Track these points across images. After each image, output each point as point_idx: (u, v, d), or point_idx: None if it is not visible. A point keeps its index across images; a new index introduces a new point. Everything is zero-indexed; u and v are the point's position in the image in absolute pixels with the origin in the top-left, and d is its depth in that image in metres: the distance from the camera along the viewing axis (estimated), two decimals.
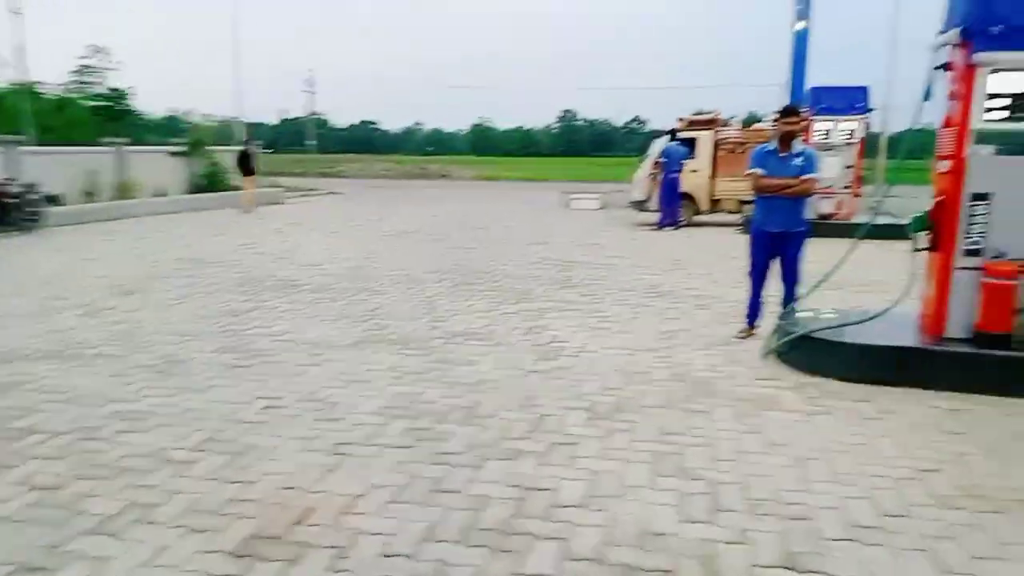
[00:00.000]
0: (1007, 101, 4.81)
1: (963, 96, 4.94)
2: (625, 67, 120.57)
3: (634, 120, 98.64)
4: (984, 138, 4.95)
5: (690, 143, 15.53)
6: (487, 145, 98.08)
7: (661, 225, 15.34)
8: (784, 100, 19.01)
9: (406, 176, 46.12)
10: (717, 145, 15.53)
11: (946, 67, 5.18)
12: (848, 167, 13.56)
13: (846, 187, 13.58)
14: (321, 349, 5.87)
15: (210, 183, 20.78)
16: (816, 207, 13.87)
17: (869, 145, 13.85)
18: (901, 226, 5.56)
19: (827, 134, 13.75)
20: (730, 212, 15.60)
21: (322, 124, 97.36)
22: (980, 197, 4.95)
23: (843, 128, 13.60)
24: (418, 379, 5.11)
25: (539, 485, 3.49)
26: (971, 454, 3.95)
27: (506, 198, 26.62)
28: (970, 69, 4.87)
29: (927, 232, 5.24)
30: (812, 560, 2.88)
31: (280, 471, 3.61)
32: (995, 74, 4.83)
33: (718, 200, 15.74)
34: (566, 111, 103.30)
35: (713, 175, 15.61)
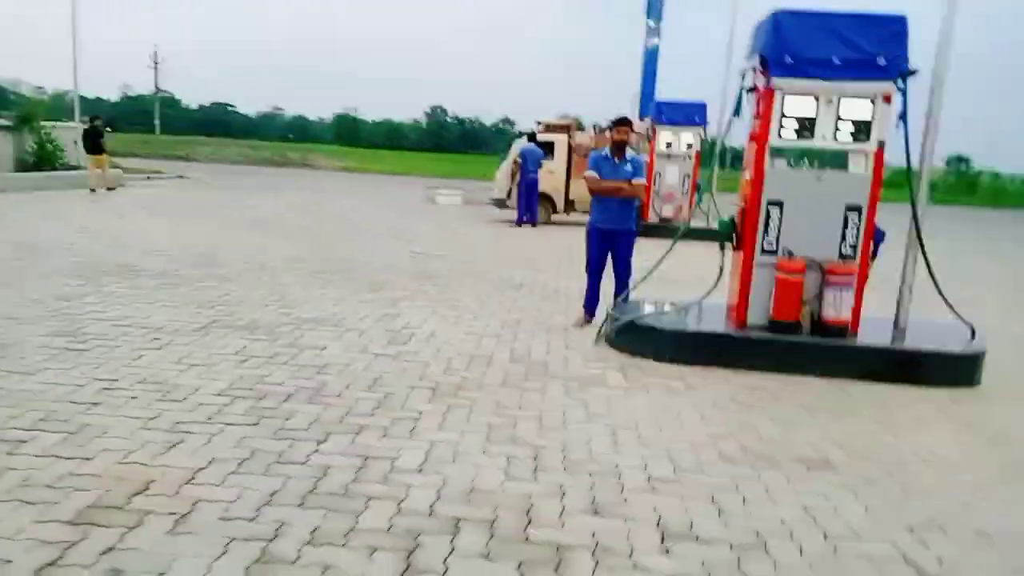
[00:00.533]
0: (795, 123, 5.62)
1: (763, 116, 5.71)
2: (496, 68, 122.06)
3: (503, 120, 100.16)
4: (779, 152, 5.75)
5: (548, 146, 16.25)
6: (353, 136, 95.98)
7: (519, 222, 15.96)
8: (636, 110, 20.32)
9: (264, 163, 44.36)
10: (572, 149, 16.35)
11: (752, 89, 5.96)
12: (687, 175, 14.80)
13: (684, 193, 14.82)
14: (163, 334, 5.78)
15: (41, 160, 19.17)
16: (658, 211, 15.03)
17: (706, 156, 15.15)
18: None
19: (669, 144, 14.94)
20: (585, 212, 16.45)
21: (170, 103, 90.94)
22: (775, 204, 5.74)
23: (683, 140, 14.82)
24: (265, 363, 5.19)
25: (379, 455, 3.75)
26: (759, 422, 4.63)
27: (370, 190, 26.41)
28: (769, 92, 5.64)
29: (733, 233, 6.00)
30: (615, 508, 3.34)
31: (119, 448, 3.63)
32: (788, 98, 5.62)
33: (573, 201, 16.59)
34: (435, 107, 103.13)
35: (568, 177, 16.43)
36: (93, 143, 17.99)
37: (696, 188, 14.46)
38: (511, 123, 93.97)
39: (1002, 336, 6.79)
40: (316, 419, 4.19)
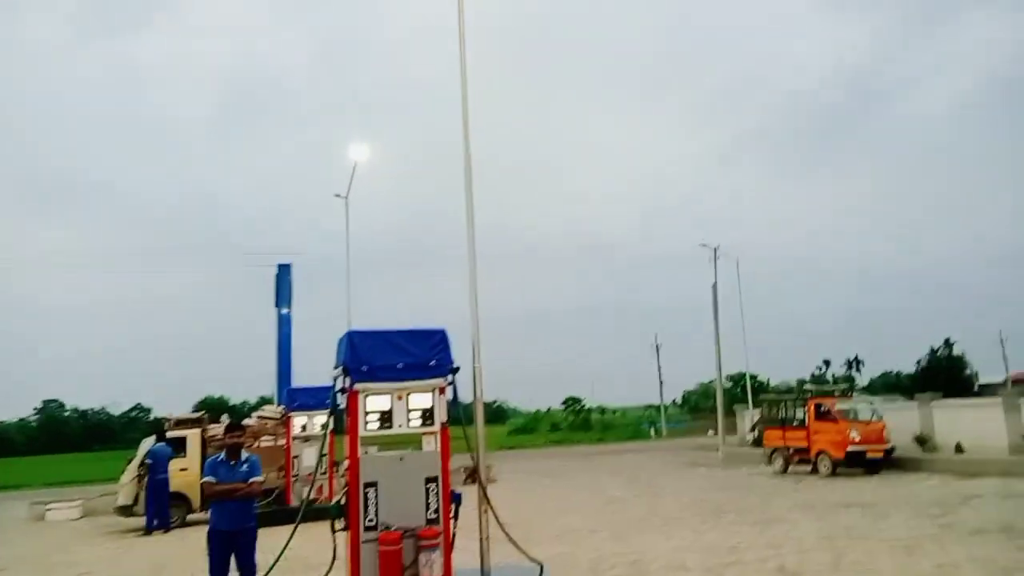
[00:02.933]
0: (377, 416, 6.89)
1: (352, 412, 6.88)
2: (121, 355, 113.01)
3: (135, 408, 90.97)
4: (371, 440, 6.88)
5: (180, 442, 15.76)
6: None
7: (150, 529, 14.71)
8: (273, 389, 20.93)
9: None
10: (207, 443, 16.06)
11: (344, 391, 7.17)
12: (323, 455, 15.48)
13: (323, 472, 15.37)
14: None
15: None
16: (299, 494, 15.24)
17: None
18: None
19: (304, 427, 15.71)
20: None
21: None
22: (370, 484, 6.74)
23: (317, 422, 15.72)
24: None
25: None
26: None
27: None
28: (354, 394, 6.88)
29: (341, 515, 6.78)
30: None
31: None
32: (369, 397, 6.91)
33: None
34: (47, 401, 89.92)
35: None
36: None
37: (335, 465, 15.13)
38: (145, 410, 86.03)
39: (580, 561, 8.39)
40: None
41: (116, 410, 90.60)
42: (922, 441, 22.02)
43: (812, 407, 21.16)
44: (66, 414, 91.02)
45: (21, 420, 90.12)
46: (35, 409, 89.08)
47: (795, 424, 21.91)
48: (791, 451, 21.66)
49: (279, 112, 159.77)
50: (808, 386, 26.35)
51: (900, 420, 21.89)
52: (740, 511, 13.47)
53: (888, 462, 19.97)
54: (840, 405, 21.11)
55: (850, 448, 19.51)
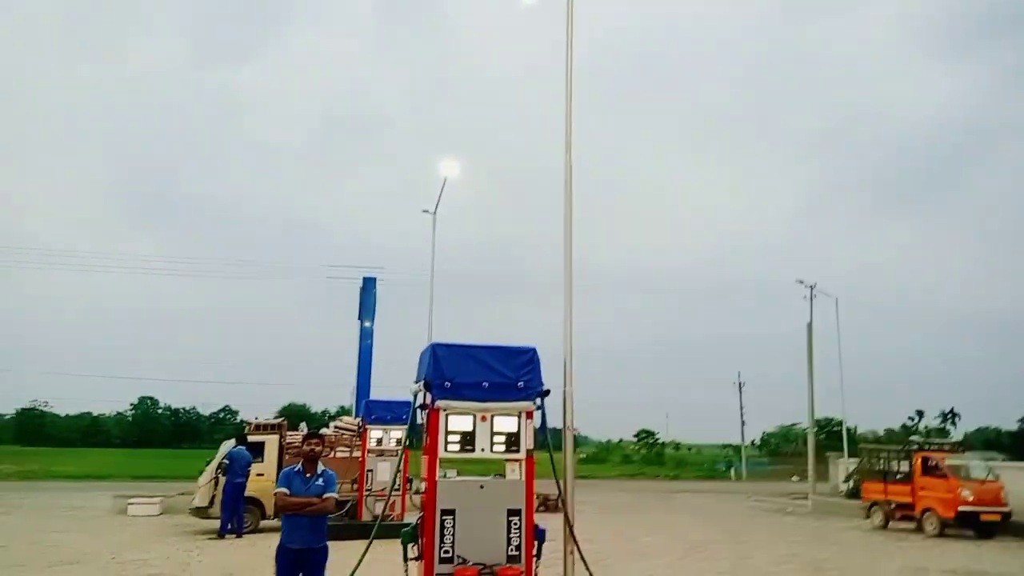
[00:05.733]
0: (458, 437, 6.37)
1: (432, 431, 6.40)
2: (213, 359, 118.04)
3: (223, 410, 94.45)
4: (449, 463, 6.37)
5: (258, 447, 15.77)
6: (38, 434, 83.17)
7: (223, 533, 14.67)
8: (352, 400, 20.88)
9: None
10: (284, 449, 16.02)
11: (423, 407, 6.70)
12: (398, 470, 15.14)
13: (396, 489, 15.00)
14: None
15: None
16: (371, 509, 14.93)
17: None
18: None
19: (379, 442, 15.41)
20: None
21: None
22: (448, 512, 6.21)
23: (393, 436, 15.41)
24: None
25: None
26: None
27: (39, 503, 22.62)
28: (435, 412, 6.39)
29: (414, 543, 6.27)
30: None
31: None
32: (451, 416, 6.41)
33: None
34: (143, 398, 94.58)
35: None
36: None
37: (408, 482, 14.77)
38: (232, 413, 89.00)
39: None
40: None
41: (206, 410, 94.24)
42: None
43: (919, 460, 19.46)
44: (159, 411, 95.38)
45: (119, 414, 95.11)
46: (131, 405, 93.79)
47: (899, 477, 20.23)
48: (893, 506, 19.99)
49: (375, 140, 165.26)
50: (915, 438, 24.38)
51: (1011, 481, 19.78)
52: (842, 569, 12.24)
53: (1004, 526, 18.07)
54: (951, 460, 19.36)
55: (961, 508, 17.82)
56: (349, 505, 15.08)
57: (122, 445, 79.38)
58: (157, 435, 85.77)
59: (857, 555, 14.32)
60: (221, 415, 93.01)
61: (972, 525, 17.97)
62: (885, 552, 14.93)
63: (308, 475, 6.86)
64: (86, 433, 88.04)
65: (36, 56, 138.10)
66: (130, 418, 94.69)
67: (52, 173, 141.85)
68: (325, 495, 6.80)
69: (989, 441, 62.83)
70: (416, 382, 6.76)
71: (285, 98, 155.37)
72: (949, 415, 70.00)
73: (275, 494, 6.83)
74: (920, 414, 69.88)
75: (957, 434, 66.18)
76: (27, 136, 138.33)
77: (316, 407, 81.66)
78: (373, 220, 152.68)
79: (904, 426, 62.51)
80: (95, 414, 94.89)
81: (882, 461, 21.67)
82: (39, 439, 79.61)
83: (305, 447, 7.04)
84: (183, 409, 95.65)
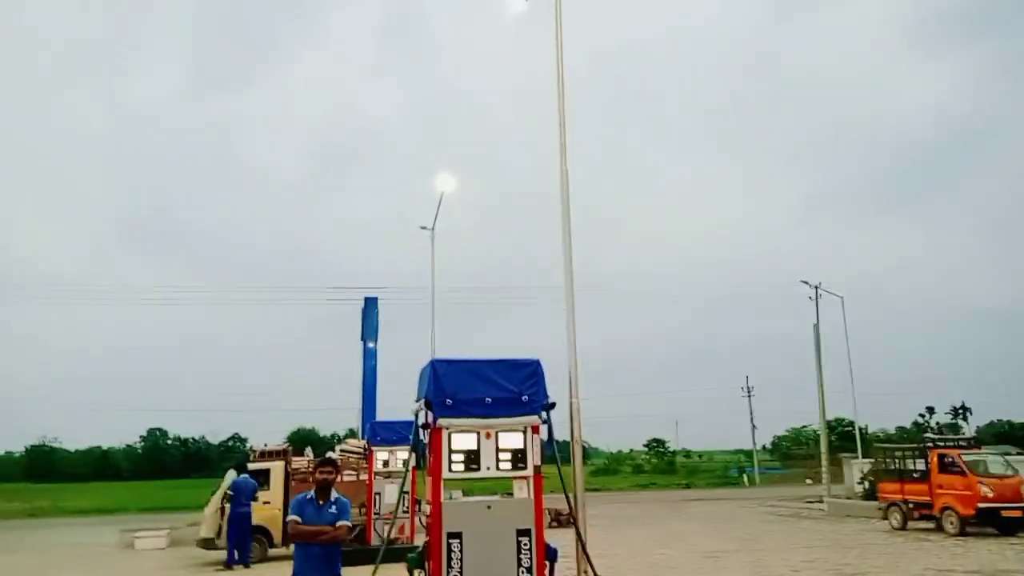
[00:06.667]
0: (462, 456, 6.17)
1: (435, 451, 6.19)
2: (220, 387, 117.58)
3: (232, 438, 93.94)
4: (454, 483, 6.16)
5: (263, 474, 15.52)
6: (49, 471, 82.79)
7: (229, 564, 14.41)
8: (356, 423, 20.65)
9: None
10: (290, 476, 15.76)
11: (426, 426, 6.49)
12: (404, 492, 14.86)
13: (405, 510, 14.73)
14: None
15: None
16: (380, 532, 14.64)
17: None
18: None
19: (386, 463, 15.15)
20: None
21: None
22: (454, 535, 5.99)
23: (399, 457, 15.14)
24: None
25: None
26: None
27: (46, 540, 22.32)
28: (437, 431, 6.19)
29: (420, 568, 6.05)
30: None
31: None
32: (454, 434, 6.21)
33: None
34: (152, 429, 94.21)
35: (287, 506, 15.56)
36: None
37: (416, 504, 14.50)
38: (242, 440, 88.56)
39: None
40: None
41: (215, 439, 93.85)
42: None
43: (935, 458, 19.12)
44: (169, 442, 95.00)
45: (128, 446, 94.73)
46: (141, 437, 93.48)
47: (915, 476, 19.88)
48: (910, 506, 19.63)
49: (371, 162, 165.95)
50: (929, 435, 24.02)
51: None
52: (865, 575, 11.93)
53: None
54: (967, 457, 19.01)
55: (981, 505, 17.47)
56: (358, 529, 14.80)
57: (132, 478, 78.92)
58: (167, 466, 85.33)
59: (878, 558, 13.99)
60: (230, 443, 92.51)
61: (993, 522, 17.62)
62: (906, 554, 14.59)
63: (321, 502, 6.61)
64: (96, 467, 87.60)
65: (33, 87, 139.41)
66: (140, 450, 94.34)
67: (52, 204, 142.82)
68: (339, 523, 6.56)
69: (1001, 435, 62.20)
70: (417, 401, 6.58)
71: (281, 123, 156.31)
72: (960, 410, 69.38)
73: (287, 522, 6.62)
74: (931, 410, 69.32)
75: (969, 429, 65.66)
76: (26, 168, 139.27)
77: (325, 431, 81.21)
78: (373, 241, 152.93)
79: (916, 423, 61.88)
80: (105, 447, 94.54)
81: (897, 460, 21.33)
82: (49, 475, 79.20)
83: (318, 475, 6.79)
84: (192, 439, 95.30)
